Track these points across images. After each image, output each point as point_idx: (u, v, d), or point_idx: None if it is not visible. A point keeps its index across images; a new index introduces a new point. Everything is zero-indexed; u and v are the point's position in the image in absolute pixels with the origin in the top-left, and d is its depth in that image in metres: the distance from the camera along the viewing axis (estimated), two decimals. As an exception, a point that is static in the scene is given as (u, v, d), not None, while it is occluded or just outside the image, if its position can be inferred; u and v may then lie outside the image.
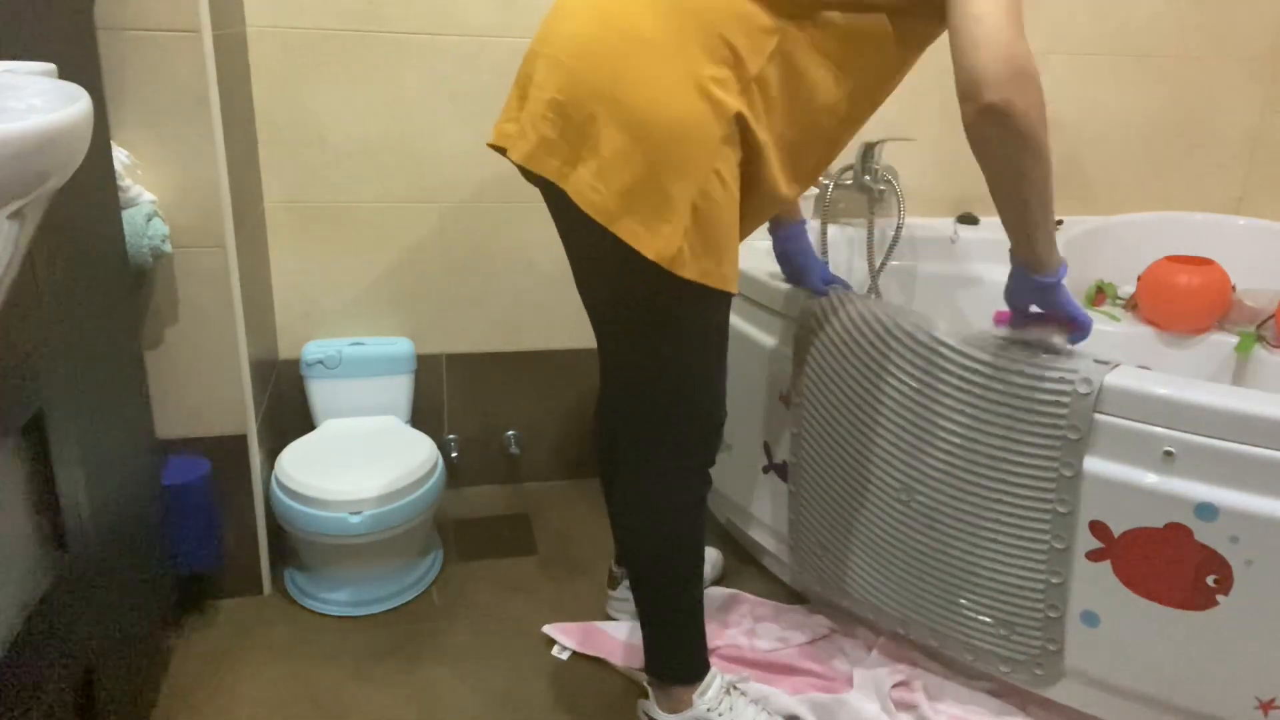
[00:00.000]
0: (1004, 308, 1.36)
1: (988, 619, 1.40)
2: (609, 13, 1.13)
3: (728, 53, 1.10)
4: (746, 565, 1.89)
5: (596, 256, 1.24)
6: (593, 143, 1.12)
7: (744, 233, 1.25)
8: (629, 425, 1.32)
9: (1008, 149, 1.08)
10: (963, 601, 1.42)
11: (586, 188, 1.12)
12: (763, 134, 1.14)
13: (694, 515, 1.33)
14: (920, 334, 1.39)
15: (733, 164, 1.13)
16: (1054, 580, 1.33)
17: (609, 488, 1.58)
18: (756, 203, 1.20)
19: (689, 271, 1.12)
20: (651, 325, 1.22)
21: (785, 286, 1.61)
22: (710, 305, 1.21)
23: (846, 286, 1.55)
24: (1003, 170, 1.12)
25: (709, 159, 1.10)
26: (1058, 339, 1.31)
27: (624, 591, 1.69)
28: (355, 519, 1.63)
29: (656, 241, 1.11)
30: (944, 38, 1.14)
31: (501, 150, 1.26)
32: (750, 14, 1.10)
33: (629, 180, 1.10)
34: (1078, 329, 1.30)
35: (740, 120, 1.11)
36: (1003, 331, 1.35)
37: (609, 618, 1.72)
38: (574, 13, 1.17)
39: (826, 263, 1.96)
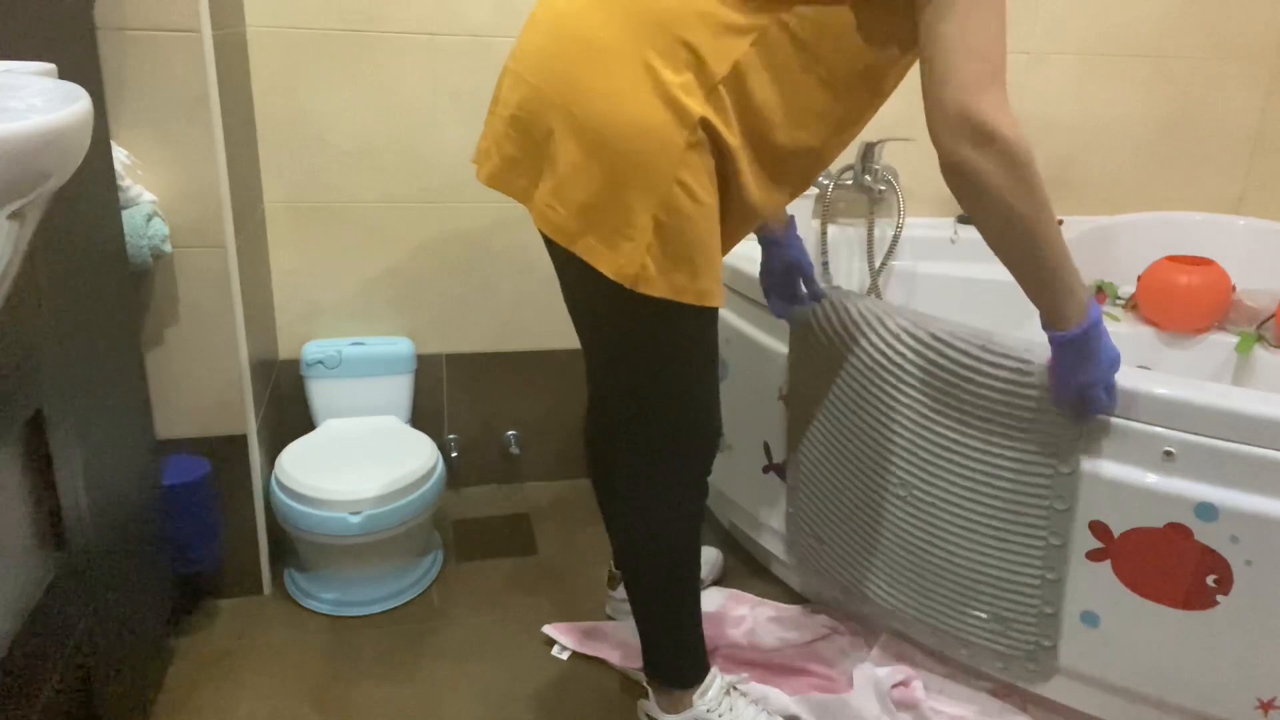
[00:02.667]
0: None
1: (983, 614, 1.40)
2: (564, 23, 1.10)
3: (688, 55, 1.04)
4: (747, 566, 1.89)
5: (570, 275, 1.21)
6: (551, 159, 1.09)
7: (729, 242, 1.18)
8: (622, 440, 1.30)
9: (975, 206, 1.07)
10: (958, 597, 1.42)
11: (545, 207, 1.10)
12: (733, 139, 1.07)
13: (690, 527, 1.31)
14: (917, 333, 1.39)
15: (702, 172, 1.06)
16: (1049, 576, 1.33)
17: (603, 495, 1.58)
18: (735, 209, 1.13)
19: (656, 289, 1.07)
20: (633, 343, 1.19)
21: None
22: (690, 321, 1.16)
23: (828, 294, 1.49)
24: (982, 220, 1.09)
25: (670, 169, 1.04)
26: (1097, 402, 1.21)
27: (624, 592, 1.68)
28: (355, 519, 1.63)
29: (618, 260, 1.06)
30: None
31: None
32: (715, 13, 1.04)
33: (586, 196, 1.06)
34: (1109, 393, 1.22)
35: (706, 125, 1.04)
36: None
37: (609, 618, 1.72)
38: (536, 26, 1.14)
39: (826, 262, 1.96)
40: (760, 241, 1.47)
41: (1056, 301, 1.12)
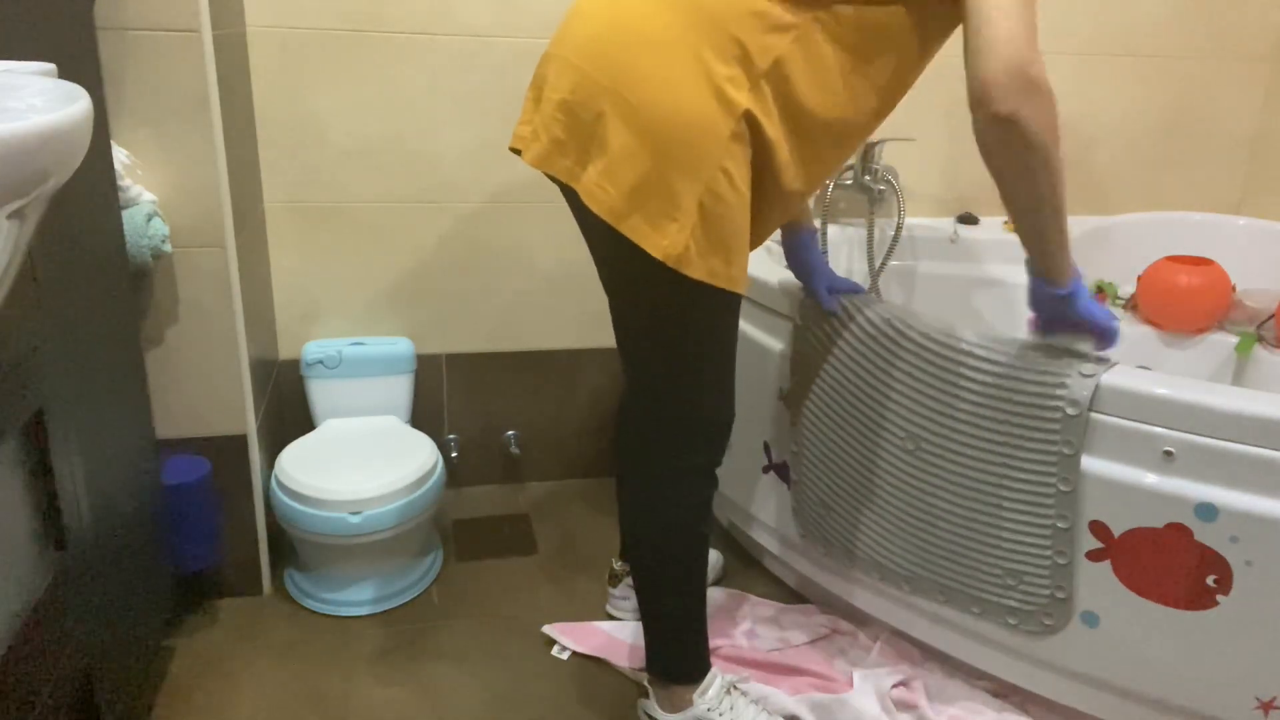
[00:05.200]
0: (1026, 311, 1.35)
1: (995, 569, 1.39)
2: (619, 12, 1.14)
3: (738, 50, 1.10)
4: (748, 566, 1.89)
5: (610, 255, 1.25)
6: (601, 142, 1.12)
7: (763, 233, 1.25)
8: (639, 423, 1.33)
9: (1016, 158, 1.10)
10: (968, 552, 1.40)
11: (594, 186, 1.13)
12: (773, 131, 1.13)
13: (699, 515, 1.33)
14: (914, 333, 1.39)
15: (742, 163, 1.12)
16: (1060, 525, 1.32)
17: (623, 477, 1.58)
18: (771, 201, 1.19)
19: (695, 271, 1.12)
20: (660, 324, 1.23)
21: (785, 286, 1.61)
22: (719, 305, 1.21)
23: (861, 290, 1.53)
24: (1011, 179, 1.13)
25: (716, 157, 1.10)
26: (1084, 345, 1.31)
27: (624, 590, 1.69)
28: (355, 519, 1.63)
29: (663, 240, 1.11)
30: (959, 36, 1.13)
31: (519, 153, 1.27)
32: (763, 10, 1.09)
33: (636, 178, 1.10)
34: (1103, 337, 1.29)
35: (749, 118, 1.11)
36: (1032, 337, 1.34)
37: (609, 617, 1.72)
38: (587, 15, 1.18)
39: (825, 263, 1.96)
40: (786, 244, 1.53)
41: (1062, 255, 1.21)
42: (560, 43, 1.20)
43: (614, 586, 1.70)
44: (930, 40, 1.18)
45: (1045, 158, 1.09)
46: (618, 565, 1.70)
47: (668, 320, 1.22)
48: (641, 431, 1.33)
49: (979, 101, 1.07)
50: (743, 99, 1.10)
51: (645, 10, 1.12)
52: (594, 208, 1.13)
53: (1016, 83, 1.05)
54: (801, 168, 1.18)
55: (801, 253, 1.52)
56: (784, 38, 1.10)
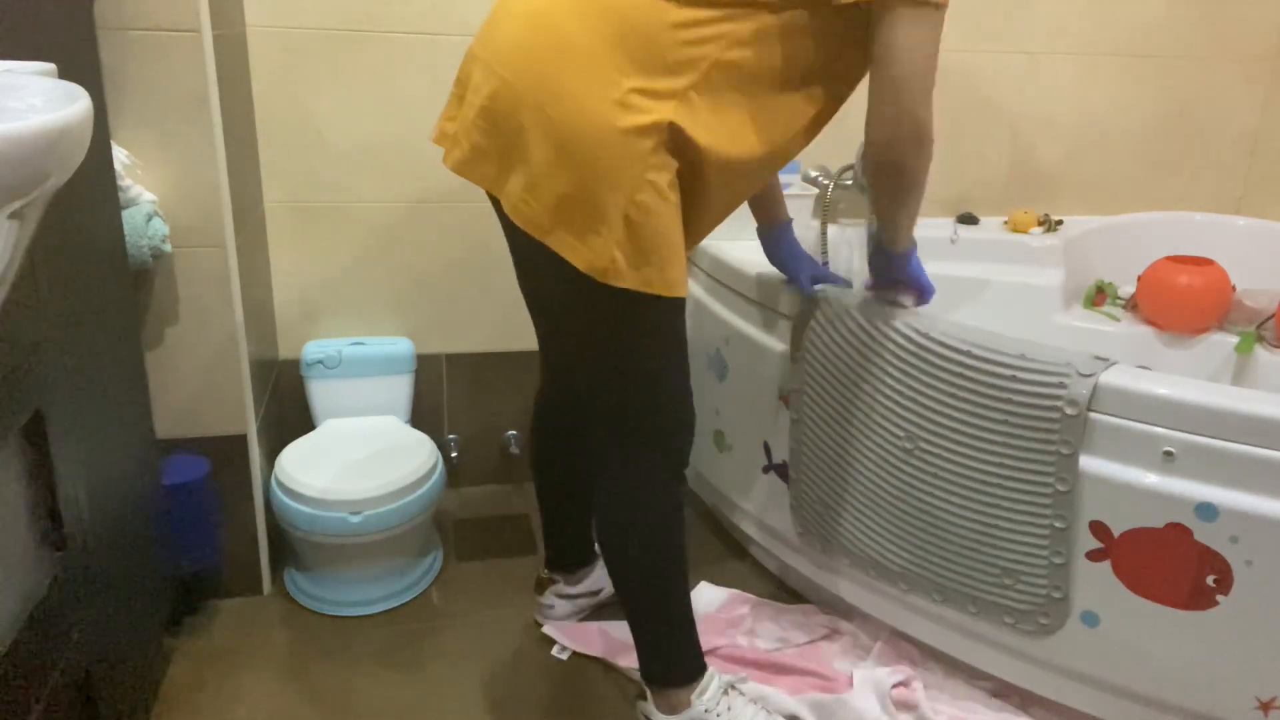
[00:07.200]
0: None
1: (992, 568, 1.39)
2: (542, 20, 1.12)
3: (660, 63, 1.09)
4: (747, 565, 1.89)
5: (543, 265, 1.22)
6: (522, 153, 1.12)
7: (700, 233, 1.25)
8: (598, 433, 1.32)
9: (895, 189, 1.25)
10: (966, 551, 1.40)
11: (518, 199, 1.13)
12: (704, 138, 1.12)
13: (672, 518, 1.32)
14: (914, 332, 1.39)
15: (668, 172, 1.12)
16: (1058, 525, 1.31)
17: (544, 490, 1.61)
18: (706, 205, 1.19)
19: (626, 281, 1.11)
20: (605, 335, 1.22)
21: (784, 286, 1.61)
22: (660, 313, 1.20)
23: (845, 283, 1.55)
24: (888, 198, 1.28)
25: (639, 170, 1.09)
26: (906, 301, 1.48)
27: (551, 597, 1.67)
28: (355, 519, 1.63)
29: (588, 254, 1.11)
30: None
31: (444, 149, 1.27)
32: (687, 23, 1.09)
33: (558, 193, 1.10)
34: (922, 295, 1.47)
35: (674, 129, 1.10)
36: (867, 294, 1.50)
37: (607, 619, 1.72)
38: (510, 17, 1.16)
39: (826, 262, 1.97)
40: (762, 239, 1.56)
41: (907, 234, 1.38)
42: (484, 43, 1.18)
43: (541, 594, 1.68)
44: (846, 45, 1.17)
45: (917, 190, 1.25)
46: (544, 573, 1.68)
47: (611, 332, 1.22)
48: (603, 441, 1.31)
49: (872, 143, 1.17)
50: (666, 111, 1.09)
51: (566, 20, 1.11)
52: (518, 222, 1.13)
53: (909, 134, 1.14)
54: (742, 166, 1.18)
55: (780, 244, 1.54)
56: (710, 48, 1.10)
